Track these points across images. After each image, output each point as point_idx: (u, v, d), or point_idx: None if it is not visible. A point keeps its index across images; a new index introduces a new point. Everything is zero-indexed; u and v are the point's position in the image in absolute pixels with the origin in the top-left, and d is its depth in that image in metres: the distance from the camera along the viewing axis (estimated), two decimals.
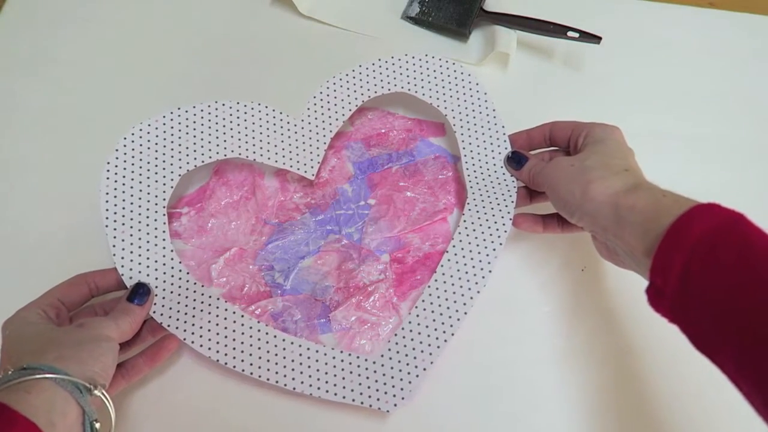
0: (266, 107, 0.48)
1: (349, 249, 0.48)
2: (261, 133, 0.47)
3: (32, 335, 0.36)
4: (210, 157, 0.46)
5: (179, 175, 0.45)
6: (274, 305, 0.46)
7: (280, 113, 0.48)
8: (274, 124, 0.48)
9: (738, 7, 0.60)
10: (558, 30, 0.54)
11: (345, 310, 0.45)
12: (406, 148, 0.52)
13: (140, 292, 0.41)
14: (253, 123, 0.47)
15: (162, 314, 0.42)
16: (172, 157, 0.46)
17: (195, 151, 0.46)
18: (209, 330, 0.42)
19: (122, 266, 0.42)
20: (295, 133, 0.48)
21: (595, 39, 0.53)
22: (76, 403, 0.33)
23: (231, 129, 0.47)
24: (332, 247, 0.48)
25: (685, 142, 0.53)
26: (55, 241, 0.48)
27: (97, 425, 0.33)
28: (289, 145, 0.47)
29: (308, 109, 0.48)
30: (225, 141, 0.46)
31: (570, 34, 0.53)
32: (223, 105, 0.47)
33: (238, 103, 0.48)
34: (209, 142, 0.46)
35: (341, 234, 0.48)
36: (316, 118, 0.48)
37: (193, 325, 0.42)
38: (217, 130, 0.47)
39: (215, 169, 0.50)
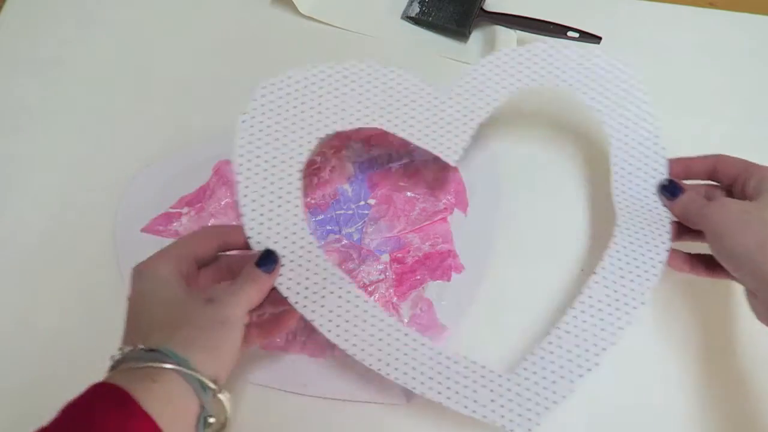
0: (414, 77, 0.44)
1: (349, 249, 0.48)
2: (406, 105, 0.44)
3: (164, 300, 0.35)
4: (350, 123, 0.42)
5: (317, 138, 0.42)
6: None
7: (429, 86, 0.44)
8: (422, 97, 0.44)
9: (738, 7, 0.60)
10: (558, 30, 0.54)
11: None
12: (406, 148, 0.52)
13: (270, 259, 0.39)
14: (399, 92, 0.44)
15: (288, 288, 0.39)
16: (312, 117, 0.42)
17: (335, 114, 0.42)
18: (337, 314, 0.39)
19: (251, 228, 0.40)
20: (442, 111, 0.44)
21: (595, 39, 0.53)
22: (197, 400, 0.32)
23: (375, 95, 0.43)
24: (332, 247, 0.48)
25: (685, 142, 0.53)
26: (56, 241, 0.48)
27: (211, 420, 0.32)
28: (434, 123, 0.44)
29: (459, 86, 0.45)
30: (368, 108, 0.43)
31: (570, 34, 0.53)
32: (369, 67, 0.44)
33: (385, 67, 0.44)
34: (351, 106, 0.43)
35: (341, 234, 0.48)
36: (466, 99, 0.44)
37: (322, 306, 0.39)
38: (360, 94, 0.43)
39: (215, 169, 0.50)
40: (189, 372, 0.31)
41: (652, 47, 0.58)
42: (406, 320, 0.45)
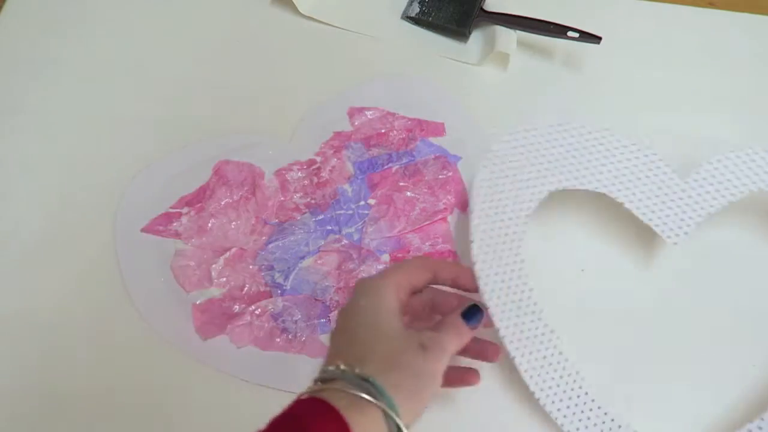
0: (654, 155, 0.45)
1: (349, 249, 0.48)
2: (640, 179, 0.45)
3: (384, 330, 0.35)
4: (581, 183, 0.44)
5: (548, 191, 0.44)
6: (274, 305, 0.46)
7: (667, 166, 0.45)
8: (657, 175, 0.45)
9: (738, 7, 0.60)
10: (558, 30, 0.54)
11: None
12: (406, 148, 0.52)
13: (478, 314, 0.37)
14: (636, 166, 0.45)
15: (510, 341, 0.40)
16: (547, 170, 0.44)
17: (570, 172, 0.44)
18: (557, 385, 0.40)
19: (482, 270, 0.41)
20: (675, 193, 0.45)
21: (595, 39, 0.53)
22: None
23: (612, 163, 0.45)
24: (332, 247, 0.48)
25: (685, 142, 0.53)
26: (56, 240, 0.48)
27: None
28: (664, 203, 0.44)
29: (699, 173, 0.45)
30: (602, 173, 0.45)
31: (570, 34, 0.53)
32: (611, 135, 0.46)
33: (627, 140, 0.46)
34: (586, 169, 0.45)
35: (341, 234, 0.48)
36: (704, 188, 0.45)
37: (541, 369, 0.40)
38: (597, 159, 0.45)
39: (215, 169, 0.50)
40: (393, 416, 0.31)
41: (652, 47, 0.58)
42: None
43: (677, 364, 0.45)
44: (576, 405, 0.40)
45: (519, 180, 0.44)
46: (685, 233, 0.44)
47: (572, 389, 0.41)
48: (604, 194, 0.45)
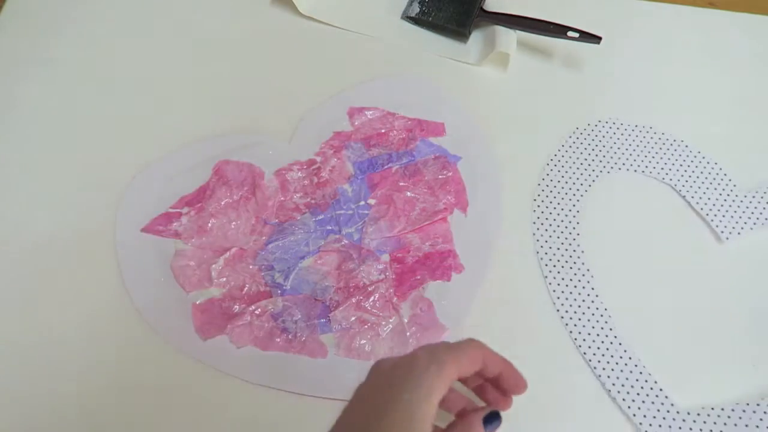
0: (716, 163, 0.51)
1: (349, 249, 0.48)
2: (698, 178, 0.51)
3: None
4: (649, 172, 0.51)
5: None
6: (274, 305, 0.46)
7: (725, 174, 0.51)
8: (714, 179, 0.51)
9: (738, 7, 0.60)
10: (558, 30, 0.54)
11: (345, 310, 0.45)
12: (406, 148, 0.52)
13: (497, 420, 0.35)
14: (696, 166, 0.51)
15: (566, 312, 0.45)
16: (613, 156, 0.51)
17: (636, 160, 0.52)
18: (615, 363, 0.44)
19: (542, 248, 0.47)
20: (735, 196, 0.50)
21: (595, 39, 0.53)
22: None
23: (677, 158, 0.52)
24: (332, 247, 0.48)
25: (685, 142, 0.53)
26: (56, 241, 0.48)
27: None
28: (721, 203, 0.50)
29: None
30: (671, 168, 0.51)
31: (570, 34, 0.53)
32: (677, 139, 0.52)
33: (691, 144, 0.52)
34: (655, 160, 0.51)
35: (341, 234, 0.48)
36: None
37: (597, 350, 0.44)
38: (666, 153, 0.52)
39: (215, 169, 0.50)
40: None
41: (652, 47, 0.58)
42: (406, 320, 0.45)
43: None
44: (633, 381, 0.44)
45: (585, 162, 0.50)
46: (738, 233, 0.49)
47: (627, 365, 0.44)
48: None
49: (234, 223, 0.48)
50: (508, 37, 0.55)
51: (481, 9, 0.56)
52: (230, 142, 0.52)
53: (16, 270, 0.47)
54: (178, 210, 0.49)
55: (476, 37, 0.57)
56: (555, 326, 0.46)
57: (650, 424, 0.42)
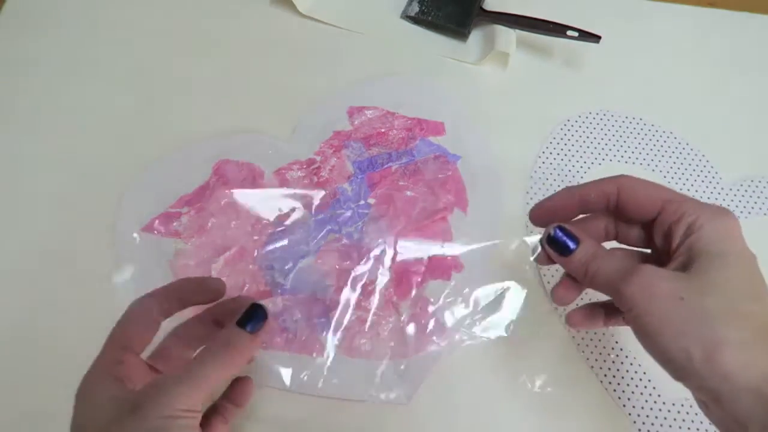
0: (703, 155, 0.52)
1: (349, 249, 0.48)
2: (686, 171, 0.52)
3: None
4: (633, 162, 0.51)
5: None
6: (274, 305, 0.46)
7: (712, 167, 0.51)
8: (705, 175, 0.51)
9: (738, 7, 0.60)
10: (557, 29, 0.54)
11: (345, 310, 0.45)
12: (406, 148, 0.52)
13: (259, 315, 0.31)
14: (684, 159, 0.52)
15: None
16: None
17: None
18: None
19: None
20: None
21: (595, 38, 0.53)
22: None
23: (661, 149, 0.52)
24: (332, 246, 0.48)
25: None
26: (55, 240, 0.48)
27: None
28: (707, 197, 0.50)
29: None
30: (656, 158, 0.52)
31: (569, 33, 0.53)
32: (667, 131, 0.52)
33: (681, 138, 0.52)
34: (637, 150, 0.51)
35: (341, 233, 0.48)
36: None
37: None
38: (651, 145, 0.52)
39: (215, 169, 0.50)
40: None
41: (652, 47, 0.58)
42: (405, 319, 0.45)
43: None
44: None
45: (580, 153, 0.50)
46: None
47: (618, 356, 0.44)
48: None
49: (234, 222, 0.48)
50: (508, 37, 0.55)
51: (481, 8, 0.56)
52: (230, 142, 0.52)
53: (16, 270, 0.47)
54: (178, 210, 0.49)
55: (476, 36, 0.57)
56: (552, 320, 0.46)
57: (639, 415, 0.43)
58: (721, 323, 0.27)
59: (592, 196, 0.32)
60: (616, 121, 0.54)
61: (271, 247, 0.48)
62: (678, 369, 0.27)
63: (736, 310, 0.27)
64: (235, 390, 0.36)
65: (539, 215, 0.34)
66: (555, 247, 0.32)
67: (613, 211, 0.32)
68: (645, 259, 0.33)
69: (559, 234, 0.32)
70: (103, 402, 0.30)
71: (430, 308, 0.46)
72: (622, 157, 0.52)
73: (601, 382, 0.44)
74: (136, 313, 0.33)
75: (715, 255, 0.28)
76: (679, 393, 0.43)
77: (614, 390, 0.44)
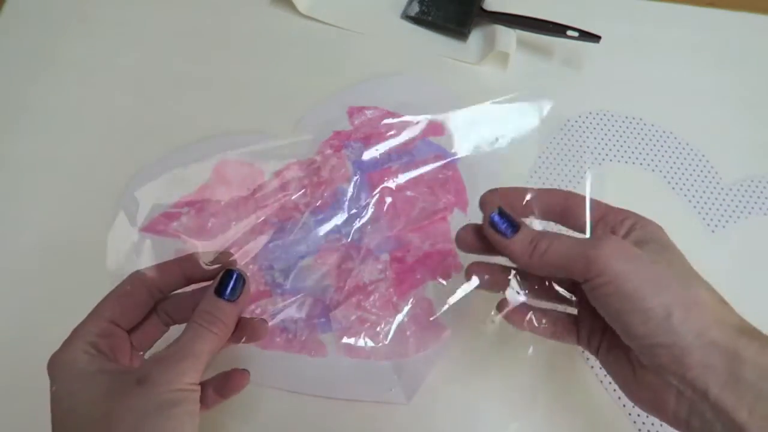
0: (703, 156, 0.52)
1: (349, 249, 0.48)
2: (687, 171, 0.51)
3: (83, 404, 0.28)
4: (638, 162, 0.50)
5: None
6: (274, 305, 0.46)
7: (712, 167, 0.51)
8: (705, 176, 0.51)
9: (738, 7, 0.60)
10: (557, 29, 0.54)
11: (345, 310, 0.45)
12: (406, 148, 0.52)
13: (232, 282, 0.30)
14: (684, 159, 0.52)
15: None
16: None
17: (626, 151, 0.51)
18: None
19: None
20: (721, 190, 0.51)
21: (595, 38, 0.53)
22: None
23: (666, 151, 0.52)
24: (332, 246, 0.48)
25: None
26: (55, 241, 0.48)
27: None
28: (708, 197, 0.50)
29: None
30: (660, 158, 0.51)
31: (569, 33, 0.53)
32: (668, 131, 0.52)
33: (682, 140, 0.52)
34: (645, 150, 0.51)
35: (341, 234, 0.48)
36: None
37: None
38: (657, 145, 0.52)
39: (215, 169, 0.50)
40: None
41: (651, 47, 0.58)
42: (406, 320, 0.45)
43: None
44: None
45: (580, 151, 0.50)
46: (723, 227, 0.49)
47: None
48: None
49: (234, 223, 0.48)
50: (508, 37, 0.55)
51: (481, 8, 0.56)
52: (230, 142, 0.52)
53: (16, 270, 0.47)
54: (178, 210, 0.49)
55: (476, 36, 0.57)
56: None
57: (639, 415, 0.43)
58: (695, 285, 0.29)
59: (552, 202, 0.35)
60: (616, 121, 0.53)
61: (271, 247, 0.48)
62: (654, 327, 0.28)
63: (699, 277, 0.30)
64: (225, 380, 0.35)
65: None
66: (497, 228, 0.33)
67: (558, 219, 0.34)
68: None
69: (500, 218, 0.33)
70: (92, 374, 0.29)
71: (430, 309, 0.46)
72: (622, 157, 0.52)
73: (601, 382, 0.44)
74: (126, 284, 0.32)
75: (661, 243, 0.30)
76: None
77: (614, 390, 0.44)
